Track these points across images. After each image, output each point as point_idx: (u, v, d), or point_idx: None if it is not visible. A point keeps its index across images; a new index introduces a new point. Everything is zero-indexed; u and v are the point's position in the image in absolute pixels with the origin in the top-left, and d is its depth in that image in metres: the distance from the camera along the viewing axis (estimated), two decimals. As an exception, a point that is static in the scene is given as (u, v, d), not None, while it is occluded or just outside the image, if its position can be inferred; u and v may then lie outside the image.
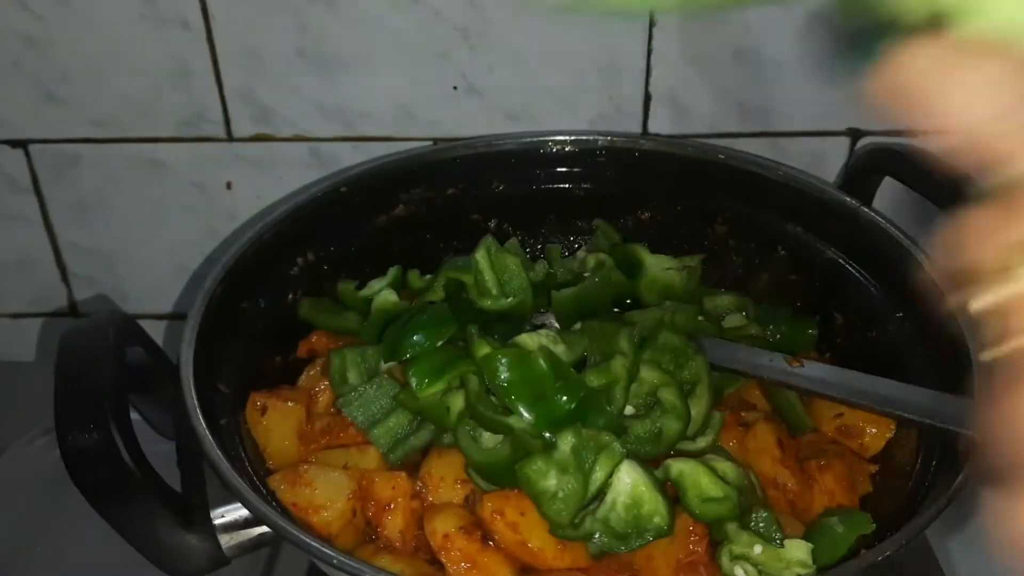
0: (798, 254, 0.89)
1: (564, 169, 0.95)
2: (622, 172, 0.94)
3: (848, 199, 0.86)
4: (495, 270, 0.83)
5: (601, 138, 0.94)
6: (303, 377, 0.81)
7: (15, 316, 1.15)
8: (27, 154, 1.04)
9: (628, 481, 0.67)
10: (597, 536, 0.66)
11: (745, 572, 0.67)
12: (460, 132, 1.01)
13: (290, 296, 0.86)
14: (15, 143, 1.03)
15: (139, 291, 1.13)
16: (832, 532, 0.68)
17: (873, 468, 0.77)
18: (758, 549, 0.67)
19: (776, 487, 0.73)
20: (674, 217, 0.95)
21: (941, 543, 0.89)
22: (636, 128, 1.00)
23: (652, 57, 0.96)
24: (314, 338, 0.84)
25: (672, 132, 1.00)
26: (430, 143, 1.01)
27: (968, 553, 0.89)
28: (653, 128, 1.00)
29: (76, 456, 0.57)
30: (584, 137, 0.94)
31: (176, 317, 1.14)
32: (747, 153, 0.91)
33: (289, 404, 0.75)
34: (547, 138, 0.94)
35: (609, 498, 0.67)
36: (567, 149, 0.94)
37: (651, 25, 0.94)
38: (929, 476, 0.70)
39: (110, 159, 1.04)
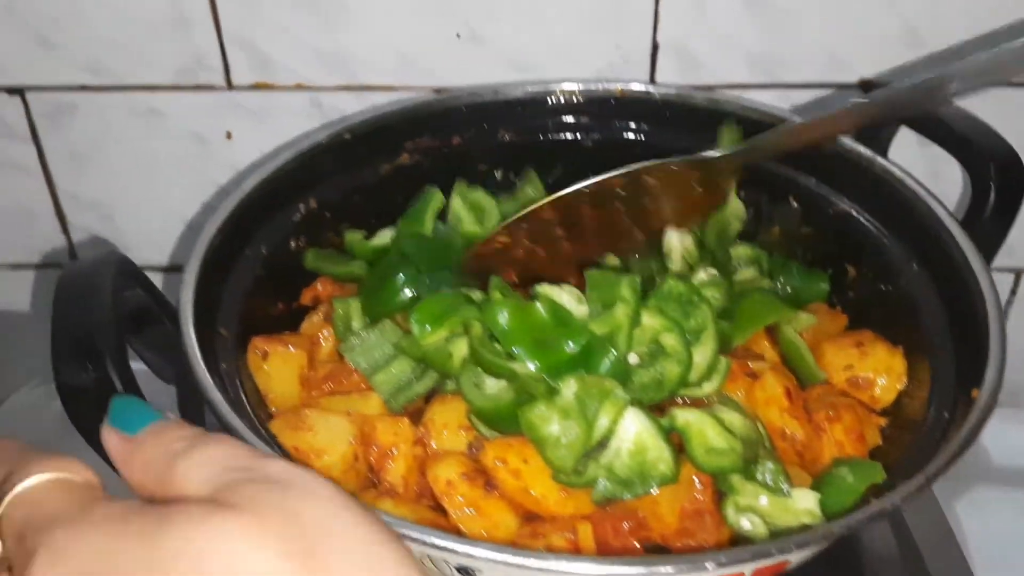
0: (811, 206, 0.87)
1: (572, 119, 0.93)
2: (632, 122, 0.92)
3: (863, 149, 0.84)
4: (471, 210, 0.85)
5: (610, 86, 0.91)
6: (305, 323, 0.80)
7: (14, 267, 1.14)
8: (24, 101, 1.02)
9: (633, 428, 0.66)
10: (601, 483, 0.65)
11: (751, 523, 0.66)
12: (463, 81, 0.99)
13: (292, 243, 0.84)
14: (12, 90, 1.01)
15: (138, 242, 1.11)
16: (842, 482, 0.67)
17: (883, 421, 0.75)
18: (764, 500, 0.66)
19: (784, 438, 0.72)
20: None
21: (948, 505, 0.88)
22: (643, 78, 0.98)
23: (660, 5, 0.94)
24: (319, 286, 0.83)
25: (680, 83, 0.98)
26: (433, 92, 0.99)
27: (976, 515, 0.89)
28: (660, 79, 0.98)
29: (72, 394, 0.56)
30: (593, 86, 0.92)
31: (175, 269, 1.13)
32: (760, 103, 0.89)
33: (291, 349, 0.74)
34: (555, 87, 0.92)
35: (613, 445, 0.66)
36: (575, 99, 0.92)
37: (660, -30, 0.93)
38: (940, 430, 0.68)
39: (107, 107, 1.02)
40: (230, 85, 1.01)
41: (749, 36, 0.95)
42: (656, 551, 0.66)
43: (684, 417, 0.67)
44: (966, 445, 0.62)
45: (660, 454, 0.65)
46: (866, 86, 0.98)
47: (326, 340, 0.77)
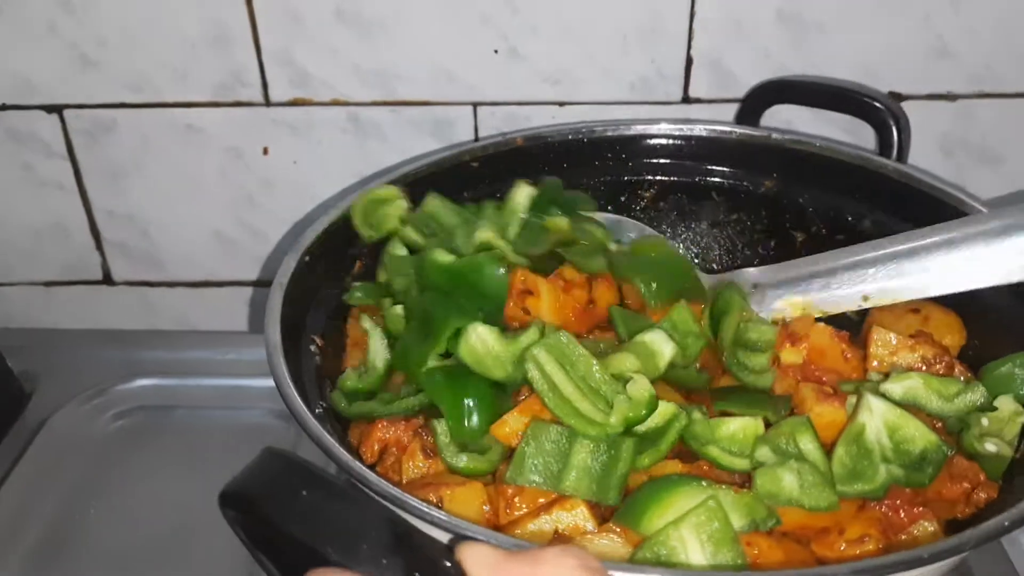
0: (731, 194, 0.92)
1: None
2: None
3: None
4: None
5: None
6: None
7: (48, 284, 1.14)
8: (62, 119, 1.03)
9: (878, 410, 0.67)
10: (883, 470, 0.66)
11: (996, 445, 0.68)
12: (500, 97, 1.00)
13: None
14: (50, 108, 1.02)
15: (173, 258, 1.12)
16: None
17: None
18: (985, 421, 0.69)
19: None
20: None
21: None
22: (677, 92, 1.00)
23: (695, 21, 0.96)
24: (379, 433, 0.73)
25: (712, 97, 1.00)
26: (470, 107, 1.01)
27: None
28: (694, 93, 1.00)
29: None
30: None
31: (209, 285, 1.14)
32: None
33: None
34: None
35: (871, 437, 0.66)
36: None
37: (695, -13, 0.94)
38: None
39: (145, 124, 1.03)
40: (268, 101, 1.02)
41: (782, 50, 0.97)
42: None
43: (903, 385, 0.70)
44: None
45: (918, 430, 0.66)
46: (897, 98, 0.99)
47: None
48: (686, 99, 1.00)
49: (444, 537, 0.53)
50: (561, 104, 1.00)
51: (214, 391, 0.98)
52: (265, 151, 1.05)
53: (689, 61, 0.98)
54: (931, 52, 0.97)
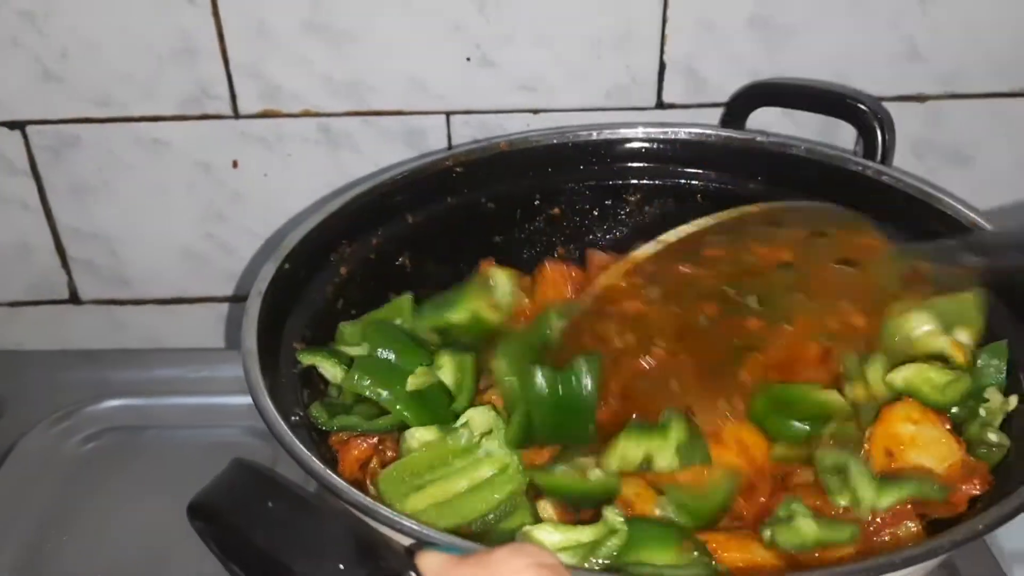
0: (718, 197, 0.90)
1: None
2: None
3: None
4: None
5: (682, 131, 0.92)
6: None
7: (13, 304, 1.12)
8: (24, 136, 1.00)
9: None
10: None
11: (997, 436, 0.69)
12: (473, 105, 0.99)
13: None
14: (12, 124, 1.00)
15: (142, 275, 1.10)
16: None
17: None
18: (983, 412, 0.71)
19: None
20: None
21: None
22: (651, 98, 0.99)
23: (667, 26, 0.95)
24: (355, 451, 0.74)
25: (686, 102, 1.00)
26: (443, 116, 1.00)
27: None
28: (668, 99, 1.00)
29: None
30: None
31: (179, 302, 1.12)
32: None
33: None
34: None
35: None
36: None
37: (667, -7, 0.94)
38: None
39: (111, 139, 1.01)
40: (237, 113, 1.00)
41: (754, 55, 0.97)
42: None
43: (902, 376, 0.70)
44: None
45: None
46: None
47: None
48: (660, 104, 1.00)
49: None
50: (535, 111, 1.00)
51: (187, 410, 0.96)
52: (234, 164, 1.03)
53: (662, 67, 0.98)
54: (901, 54, 0.97)
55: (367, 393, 0.72)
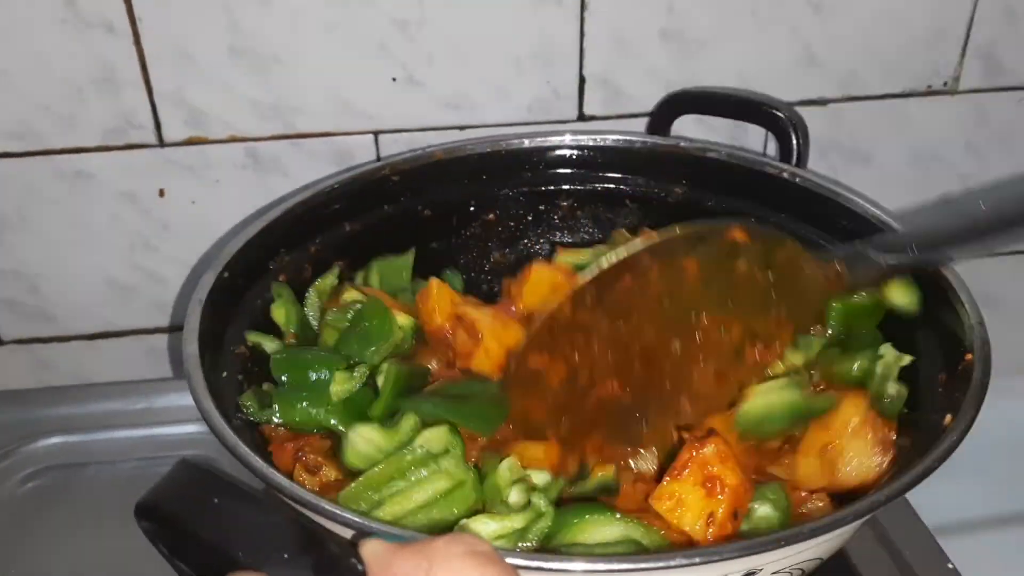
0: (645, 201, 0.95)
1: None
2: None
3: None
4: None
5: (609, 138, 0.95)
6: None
7: (-71, 348, 1.08)
8: (-63, 173, 0.97)
9: None
10: None
11: (895, 389, 0.75)
12: (400, 124, 1.01)
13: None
14: (-77, 162, 0.97)
15: (66, 311, 1.07)
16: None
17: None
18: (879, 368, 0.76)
19: None
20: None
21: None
22: (572, 111, 1.03)
23: (585, 40, 1.00)
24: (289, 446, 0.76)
25: (606, 113, 1.04)
26: (371, 136, 1.01)
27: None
28: (588, 111, 1.04)
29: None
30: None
31: (106, 336, 1.10)
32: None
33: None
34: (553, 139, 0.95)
35: None
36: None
37: (583, 8, 0.98)
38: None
39: (30, 173, 0.99)
40: (161, 142, 0.99)
41: (667, 66, 1.02)
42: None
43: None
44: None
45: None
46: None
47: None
48: (582, 117, 1.03)
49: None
50: (462, 128, 1.02)
51: (127, 443, 0.94)
52: (161, 193, 1.02)
53: (582, 80, 1.02)
54: (801, 61, 1.04)
55: (298, 419, 0.73)
